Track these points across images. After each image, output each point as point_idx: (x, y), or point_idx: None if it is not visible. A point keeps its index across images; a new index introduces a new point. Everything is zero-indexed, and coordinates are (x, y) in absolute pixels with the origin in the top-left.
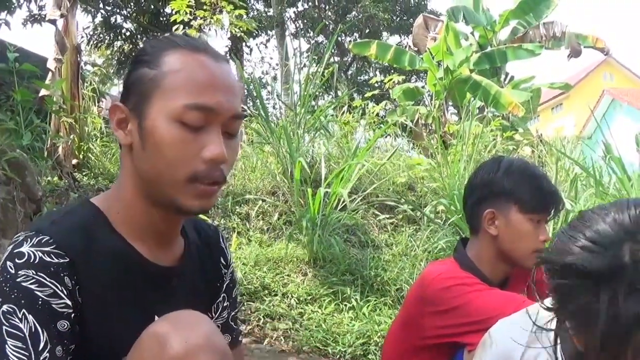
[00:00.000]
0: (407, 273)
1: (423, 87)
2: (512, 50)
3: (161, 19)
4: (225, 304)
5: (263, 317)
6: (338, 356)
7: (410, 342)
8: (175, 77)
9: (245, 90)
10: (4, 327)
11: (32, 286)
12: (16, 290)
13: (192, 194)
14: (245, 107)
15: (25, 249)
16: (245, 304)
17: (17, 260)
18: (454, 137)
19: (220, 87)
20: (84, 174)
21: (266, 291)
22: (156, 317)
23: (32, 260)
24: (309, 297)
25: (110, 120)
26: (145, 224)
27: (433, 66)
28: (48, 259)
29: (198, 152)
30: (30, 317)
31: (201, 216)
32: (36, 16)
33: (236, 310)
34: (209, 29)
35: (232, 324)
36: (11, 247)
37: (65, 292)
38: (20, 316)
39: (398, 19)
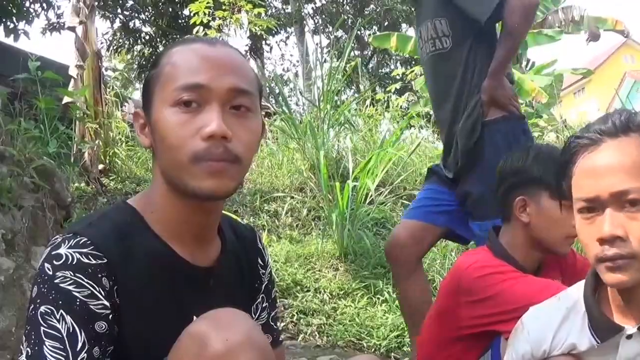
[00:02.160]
0: (439, 264)
1: None
2: (532, 36)
3: (180, 21)
4: (264, 305)
5: (296, 313)
6: (373, 350)
7: (446, 333)
8: (169, 67)
9: (267, 88)
10: (42, 328)
11: (70, 287)
12: (54, 291)
13: (199, 174)
14: (268, 104)
15: (63, 250)
16: (278, 300)
17: (55, 262)
18: None
19: (211, 65)
20: (110, 178)
21: (298, 287)
22: (194, 318)
23: (70, 262)
24: (341, 292)
25: (135, 127)
26: (179, 222)
27: None
28: (86, 260)
29: (197, 131)
30: (68, 318)
31: (231, 215)
32: (54, 24)
33: (275, 310)
34: (229, 29)
35: (273, 324)
36: (49, 249)
37: (103, 293)
38: (58, 317)
39: None
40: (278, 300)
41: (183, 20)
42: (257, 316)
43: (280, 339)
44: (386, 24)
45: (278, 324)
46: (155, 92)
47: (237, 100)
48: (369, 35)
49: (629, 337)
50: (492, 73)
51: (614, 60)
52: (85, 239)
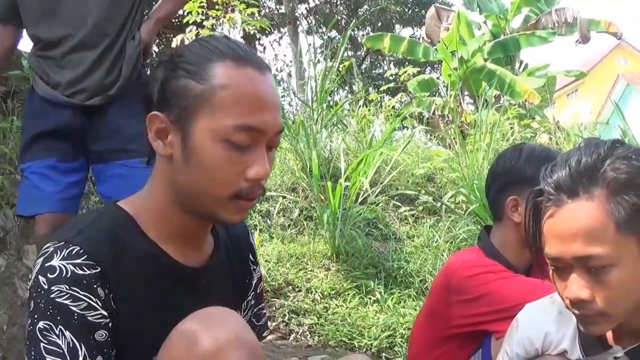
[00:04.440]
0: (430, 264)
1: (438, 78)
2: (525, 37)
3: (173, 20)
4: (252, 302)
5: (288, 313)
6: (364, 349)
7: (437, 332)
8: (224, 94)
9: None
10: (42, 344)
11: (67, 301)
12: (51, 306)
13: (233, 209)
14: None
15: (56, 262)
16: (269, 300)
17: (49, 275)
18: (471, 127)
19: (267, 106)
20: None
21: (290, 287)
22: None
23: (64, 275)
24: (333, 292)
25: (147, 129)
26: (177, 228)
27: (447, 56)
28: (80, 272)
29: (243, 171)
30: (67, 333)
31: None
32: None
33: (260, 305)
34: (222, 29)
35: (254, 320)
36: (41, 260)
37: (100, 303)
38: (57, 332)
39: (410, 11)
40: (269, 300)
41: (176, 19)
42: (246, 312)
43: (264, 334)
44: (380, 24)
45: (264, 319)
46: (199, 114)
47: (276, 141)
48: (363, 35)
49: (616, 359)
50: (158, 18)
51: (608, 62)
52: (78, 248)
